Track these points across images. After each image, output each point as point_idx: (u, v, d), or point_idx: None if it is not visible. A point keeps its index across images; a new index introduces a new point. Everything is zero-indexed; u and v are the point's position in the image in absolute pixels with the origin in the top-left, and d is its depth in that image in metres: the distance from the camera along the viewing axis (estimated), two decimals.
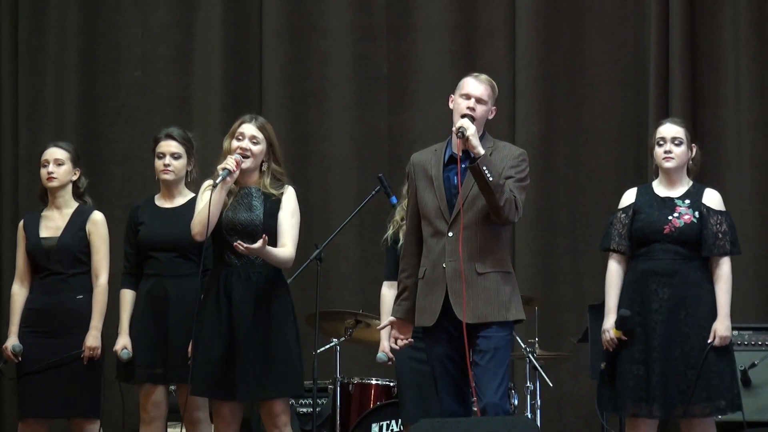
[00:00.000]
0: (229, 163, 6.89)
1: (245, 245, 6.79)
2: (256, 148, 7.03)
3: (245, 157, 6.98)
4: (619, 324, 7.07)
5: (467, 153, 6.56)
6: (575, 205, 10.02)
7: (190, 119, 9.96)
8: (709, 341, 7.04)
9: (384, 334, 7.68)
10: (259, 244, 6.79)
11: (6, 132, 10.10)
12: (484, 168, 6.46)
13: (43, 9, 10.30)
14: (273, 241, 6.98)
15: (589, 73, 10.16)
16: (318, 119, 10.33)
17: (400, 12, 10.31)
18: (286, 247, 7.01)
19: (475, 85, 6.75)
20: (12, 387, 9.11)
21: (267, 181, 7.07)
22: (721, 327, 7.05)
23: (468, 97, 6.72)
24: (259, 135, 7.05)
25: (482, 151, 6.50)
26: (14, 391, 9.04)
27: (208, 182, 6.99)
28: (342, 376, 8.84)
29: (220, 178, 6.86)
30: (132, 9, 10.37)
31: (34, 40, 10.25)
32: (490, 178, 6.46)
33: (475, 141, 6.50)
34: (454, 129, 6.63)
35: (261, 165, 7.09)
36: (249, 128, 7.05)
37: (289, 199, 7.07)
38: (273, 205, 7.03)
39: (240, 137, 7.02)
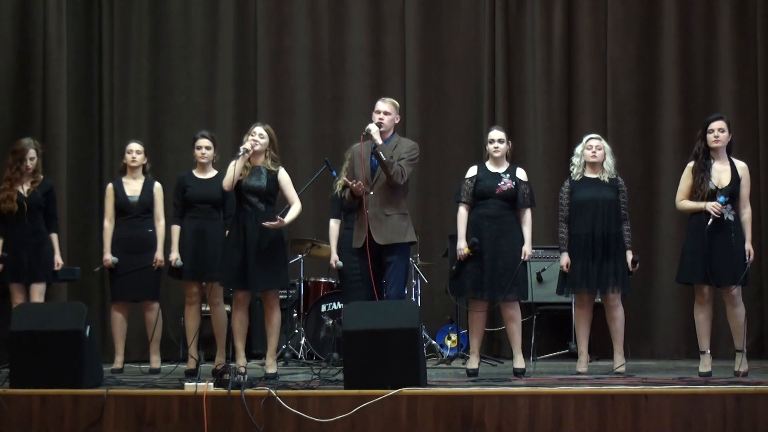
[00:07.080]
0: (246, 145, 6.96)
1: (272, 224, 6.82)
2: (262, 141, 7.04)
3: (255, 143, 7.01)
4: (471, 246, 7.03)
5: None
6: (441, 176, 9.90)
7: (214, 127, 9.45)
8: (522, 258, 7.02)
9: (333, 249, 7.92)
10: (276, 222, 6.85)
11: (106, 98, 10.04)
12: (381, 152, 6.61)
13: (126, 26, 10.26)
14: (270, 201, 7.02)
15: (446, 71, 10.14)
16: (289, 128, 10.07)
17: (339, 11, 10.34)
18: (294, 203, 7.07)
19: (380, 105, 6.86)
20: (103, 284, 9.20)
21: (269, 162, 7.06)
22: (528, 249, 7.06)
23: (378, 112, 6.83)
24: (264, 133, 7.07)
25: (380, 142, 6.63)
26: (104, 286, 9.21)
27: (234, 161, 6.90)
28: (304, 277, 8.99)
29: (240, 153, 6.91)
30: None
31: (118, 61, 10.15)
32: (384, 158, 6.60)
33: (375, 137, 6.64)
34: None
35: (265, 152, 7.08)
36: (258, 129, 7.08)
37: (284, 175, 7.08)
38: (271, 178, 7.01)
39: (253, 134, 7.05)
